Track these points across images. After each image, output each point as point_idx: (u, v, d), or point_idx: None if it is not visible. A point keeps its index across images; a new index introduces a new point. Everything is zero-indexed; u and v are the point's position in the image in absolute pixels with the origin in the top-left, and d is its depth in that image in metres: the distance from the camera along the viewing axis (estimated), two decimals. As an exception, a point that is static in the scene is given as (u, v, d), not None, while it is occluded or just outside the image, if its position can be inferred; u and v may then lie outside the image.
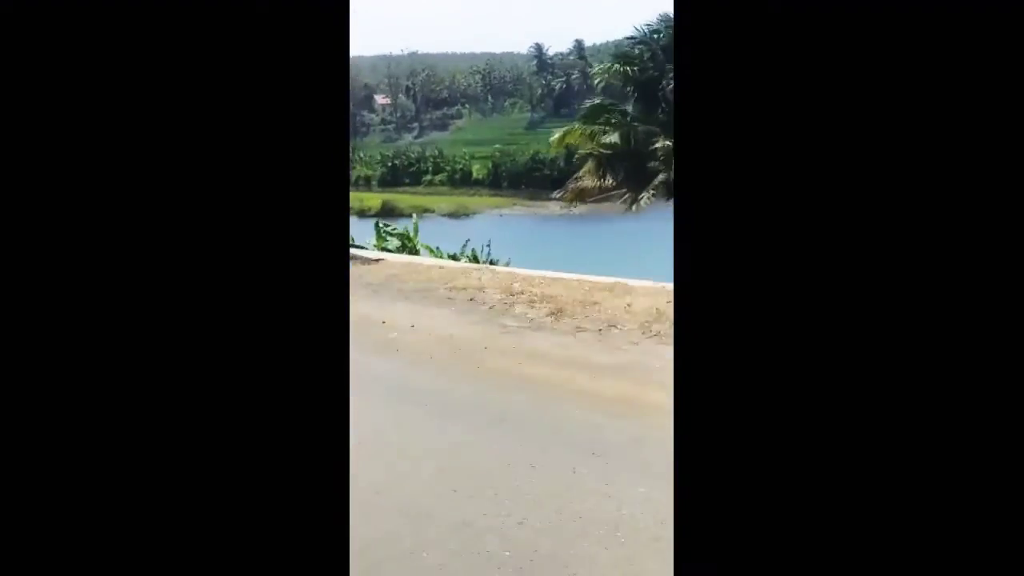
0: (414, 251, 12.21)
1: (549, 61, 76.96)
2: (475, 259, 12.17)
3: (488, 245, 13.12)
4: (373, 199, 44.63)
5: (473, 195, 48.84)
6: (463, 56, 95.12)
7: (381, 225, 13.29)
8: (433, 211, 38.19)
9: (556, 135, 13.37)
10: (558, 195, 13.66)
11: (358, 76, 73.85)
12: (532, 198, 44.86)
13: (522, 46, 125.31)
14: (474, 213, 43.27)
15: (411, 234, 12.99)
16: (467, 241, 13.29)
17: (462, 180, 53.96)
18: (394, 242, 12.81)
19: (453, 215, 41.63)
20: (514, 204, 44.58)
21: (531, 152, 49.63)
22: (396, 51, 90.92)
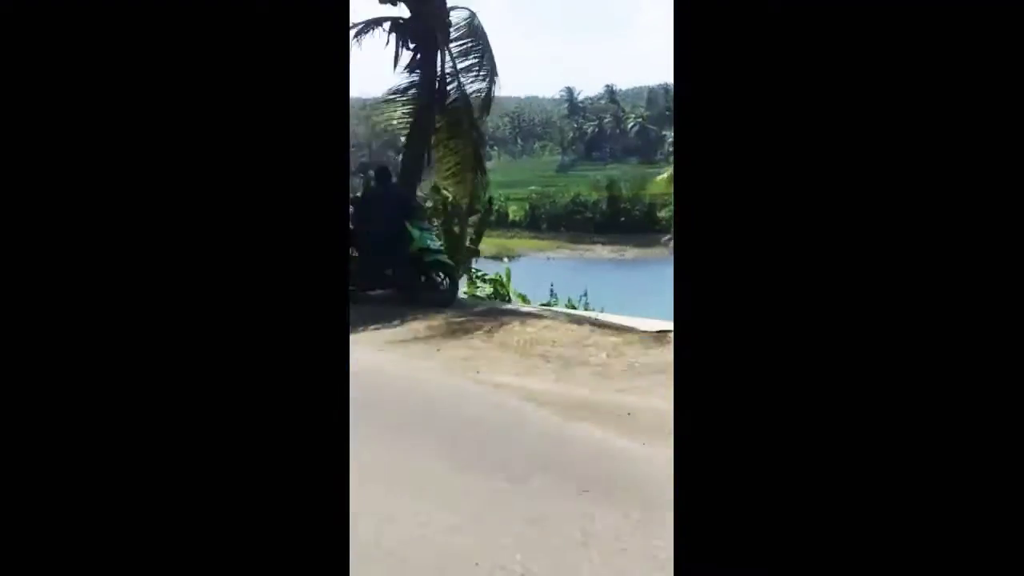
0: (507, 299, 11.45)
1: (580, 105, 77.16)
2: (572, 307, 11.39)
3: (585, 295, 12.37)
4: (411, 241, 43.55)
5: (512, 237, 47.94)
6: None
7: (474, 271, 12.57)
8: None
9: (664, 175, 12.49)
10: (666, 239, 12.69)
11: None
12: (574, 241, 44.11)
13: (549, 91, 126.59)
14: (519, 256, 42.34)
15: (504, 280, 12.27)
16: (551, 287, 12.55)
17: (498, 222, 53.29)
18: (487, 289, 12.09)
19: (497, 258, 40.74)
20: (558, 247, 43.62)
21: (571, 194, 48.97)
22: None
